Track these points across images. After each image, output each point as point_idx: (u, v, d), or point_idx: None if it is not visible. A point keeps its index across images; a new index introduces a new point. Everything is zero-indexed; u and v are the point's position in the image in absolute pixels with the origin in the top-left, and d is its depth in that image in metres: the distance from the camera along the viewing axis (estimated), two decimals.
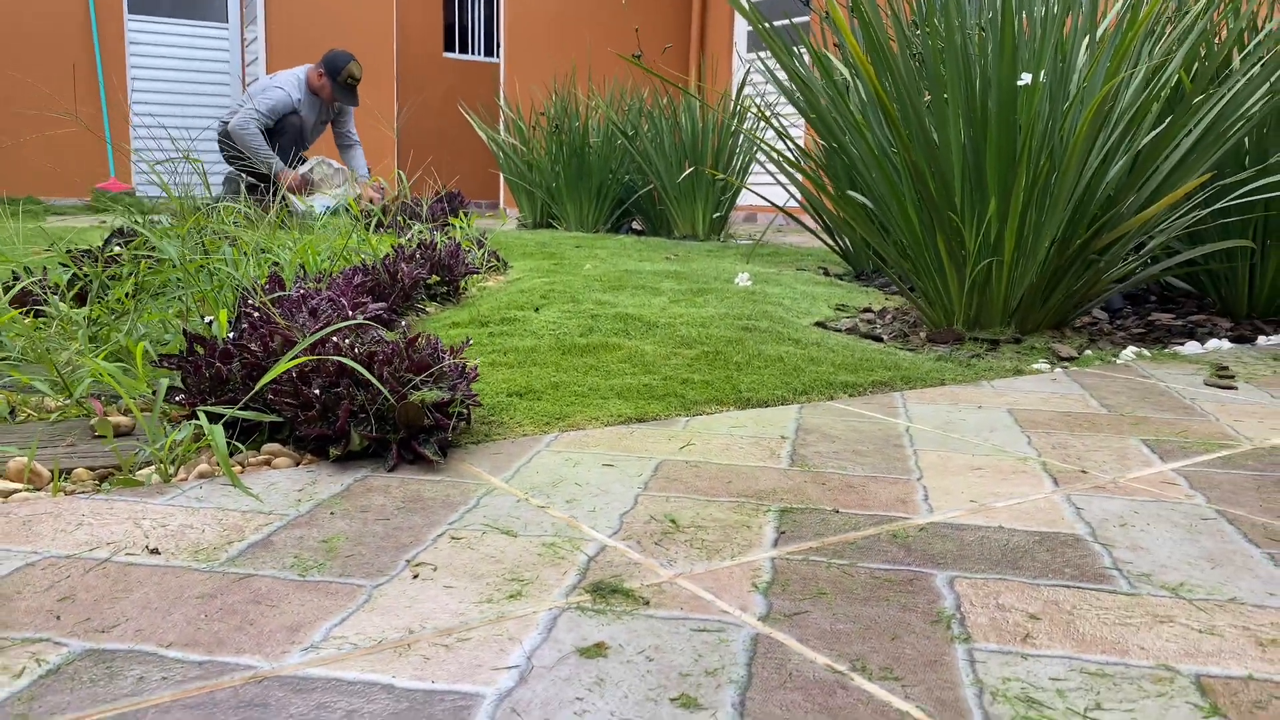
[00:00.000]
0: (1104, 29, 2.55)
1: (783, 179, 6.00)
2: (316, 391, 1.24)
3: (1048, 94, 2.25)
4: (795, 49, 3.00)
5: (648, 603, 0.87)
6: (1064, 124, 2.24)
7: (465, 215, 5.78)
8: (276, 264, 2.29)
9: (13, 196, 7.13)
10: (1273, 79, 2.23)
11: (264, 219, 3.23)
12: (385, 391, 1.17)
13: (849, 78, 2.93)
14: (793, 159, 2.75)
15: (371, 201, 6.19)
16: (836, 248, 4.01)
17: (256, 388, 1.23)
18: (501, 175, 7.34)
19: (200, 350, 1.38)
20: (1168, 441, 1.50)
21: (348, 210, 5.44)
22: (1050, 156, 2.20)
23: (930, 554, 1.01)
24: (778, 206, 3.22)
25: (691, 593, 0.89)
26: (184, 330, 1.38)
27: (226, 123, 5.91)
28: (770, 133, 6.63)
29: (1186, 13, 2.65)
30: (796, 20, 8.53)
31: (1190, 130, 2.33)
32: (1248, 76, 2.22)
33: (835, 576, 0.94)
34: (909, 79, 2.19)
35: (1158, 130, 2.33)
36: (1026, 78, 2.21)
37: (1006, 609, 0.89)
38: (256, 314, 1.51)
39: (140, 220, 2.44)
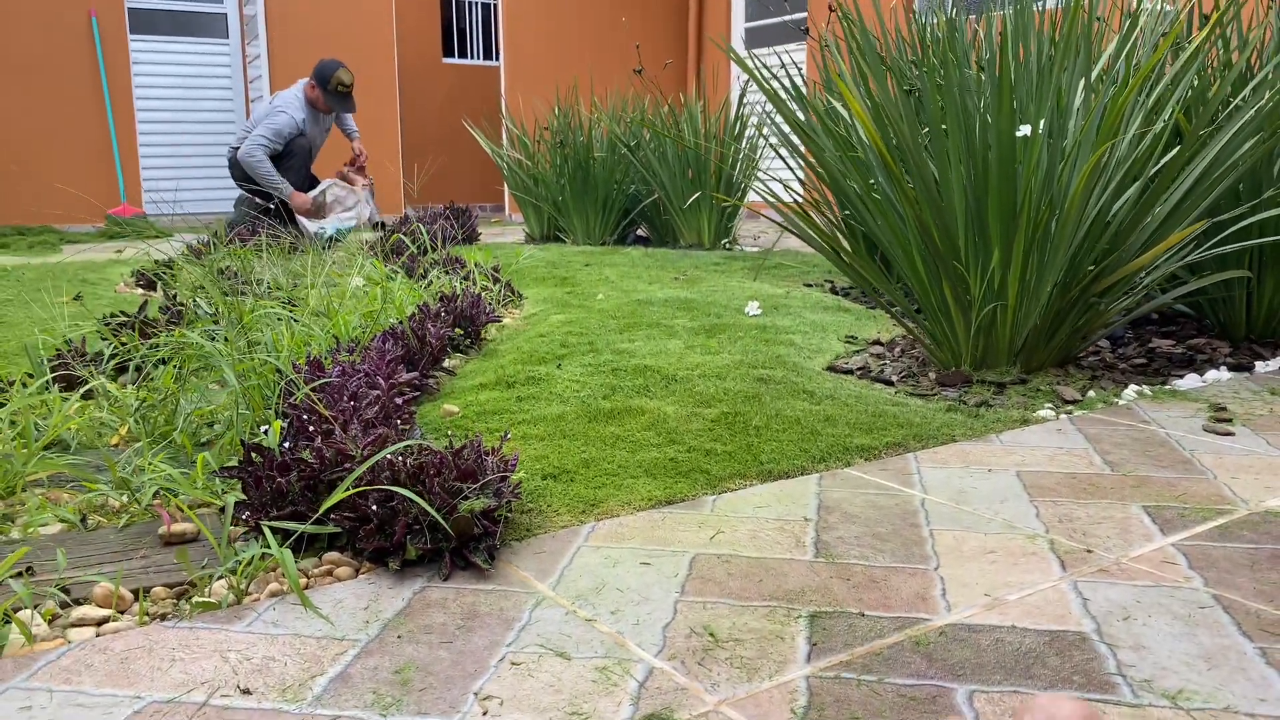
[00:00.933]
0: (1099, 69, 2.62)
1: (785, 199, 6.06)
2: (374, 507, 1.33)
3: (1046, 140, 2.32)
4: (792, 79, 3.07)
5: None
6: (1063, 172, 2.32)
7: (477, 239, 5.86)
8: (306, 325, 2.38)
9: (28, 226, 7.22)
10: (1263, 129, 2.31)
11: (282, 254, 3.32)
12: (436, 515, 1.27)
13: (848, 118, 3.00)
14: (796, 207, 2.83)
15: (359, 164, 6.28)
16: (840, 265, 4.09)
17: (320, 512, 1.32)
18: (506, 186, 7.44)
19: (257, 459, 1.48)
20: (1167, 508, 1.59)
21: (363, 230, 5.52)
22: (1050, 204, 2.28)
23: (950, 664, 1.10)
24: (784, 226, 3.30)
25: None
26: (242, 441, 1.47)
27: (236, 149, 5.99)
28: (769, 144, 6.69)
29: (1181, 48, 2.72)
30: (795, 17, 8.56)
31: (1189, 170, 2.40)
32: (1240, 124, 2.30)
33: (865, 697, 1.03)
34: (911, 136, 2.27)
35: (1159, 166, 2.41)
36: (1025, 129, 2.29)
37: None
38: (306, 414, 1.61)
39: (179, 298, 2.52)
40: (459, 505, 1.35)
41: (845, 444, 1.91)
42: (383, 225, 5.86)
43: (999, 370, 2.45)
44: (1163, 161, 2.39)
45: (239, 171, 6.04)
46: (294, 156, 6.00)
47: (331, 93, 6.02)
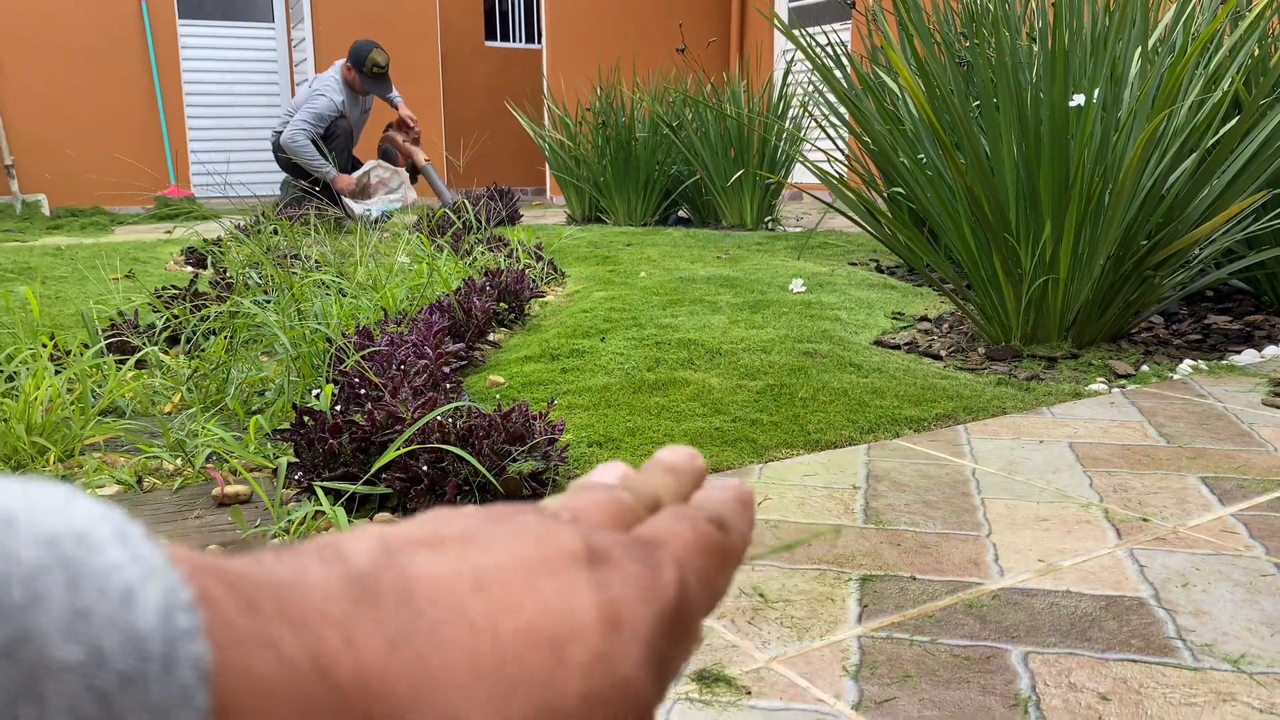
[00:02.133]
0: (1155, 37, 2.57)
1: (831, 171, 6.00)
2: (425, 468, 1.34)
3: (1100, 111, 2.28)
4: (839, 55, 3.04)
5: (749, 692, 0.96)
6: (1117, 143, 2.27)
7: (519, 219, 5.88)
8: (354, 301, 2.41)
9: (81, 207, 7.35)
10: None
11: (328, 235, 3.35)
12: (488, 475, 1.27)
13: (897, 90, 2.97)
14: (837, 178, 2.80)
15: (410, 127, 6.23)
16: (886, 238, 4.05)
17: (371, 471, 1.33)
18: (548, 167, 7.44)
19: (309, 422, 1.49)
20: (1226, 479, 1.56)
21: (408, 212, 5.55)
22: (1104, 175, 2.23)
23: (1004, 626, 1.09)
24: (829, 204, 3.28)
25: (788, 680, 0.98)
26: (294, 405, 1.49)
27: (280, 133, 6.04)
28: (814, 119, 6.63)
29: (1241, 16, 2.66)
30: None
31: (1249, 141, 2.35)
32: None
33: (918, 656, 1.02)
34: (962, 108, 2.23)
35: (1218, 136, 2.36)
36: (1079, 99, 2.25)
37: (1079, 689, 0.97)
38: (357, 379, 1.62)
39: (229, 269, 2.55)
40: (508, 467, 1.36)
41: (893, 415, 1.89)
42: (455, 207, 5.85)
43: (1050, 345, 2.42)
44: (1221, 132, 2.33)
45: (283, 156, 6.09)
46: (336, 139, 6.03)
47: (367, 74, 6.01)
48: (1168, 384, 2.16)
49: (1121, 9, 2.30)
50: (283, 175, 6.39)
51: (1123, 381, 2.18)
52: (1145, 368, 2.28)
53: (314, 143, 5.89)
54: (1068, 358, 2.35)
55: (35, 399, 1.67)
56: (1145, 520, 1.40)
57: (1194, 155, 2.33)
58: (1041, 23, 2.61)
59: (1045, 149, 2.24)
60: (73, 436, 1.69)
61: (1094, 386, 2.12)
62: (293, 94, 8.67)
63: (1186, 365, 2.28)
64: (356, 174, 6.01)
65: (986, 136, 2.38)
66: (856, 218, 2.75)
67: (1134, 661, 1.01)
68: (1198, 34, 2.48)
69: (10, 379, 1.97)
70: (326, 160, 5.92)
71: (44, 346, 2.05)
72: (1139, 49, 2.45)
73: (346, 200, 5.91)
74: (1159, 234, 2.34)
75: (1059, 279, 2.34)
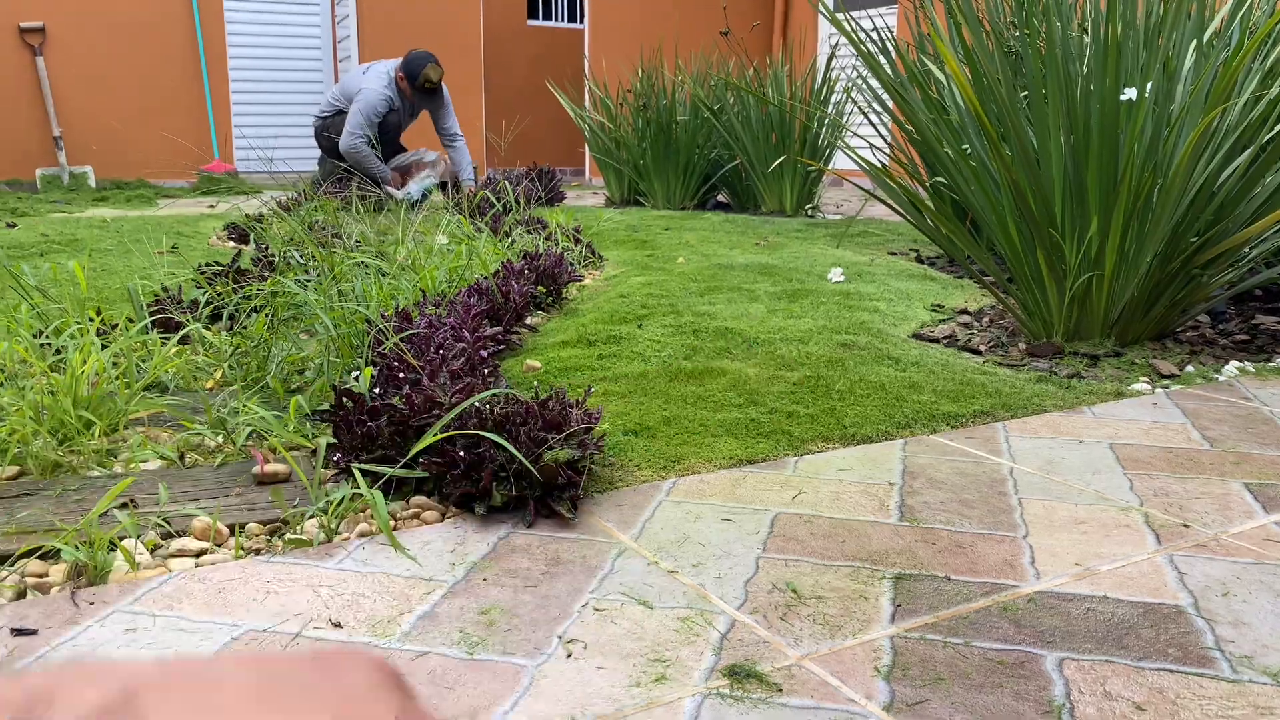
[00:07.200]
0: (1211, 31, 2.51)
1: (872, 161, 5.93)
2: (462, 453, 1.35)
3: (1152, 105, 2.23)
4: (882, 41, 3.00)
5: (780, 689, 0.96)
6: (1168, 138, 2.23)
7: (562, 200, 5.87)
8: (394, 282, 2.42)
9: (126, 180, 7.45)
10: None
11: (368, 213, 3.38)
12: (525, 461, 1.28)
13: (943, 79, 2.93)
14: (879, 167, 2.77)
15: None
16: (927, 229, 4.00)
17: (409, 455, 1.35)
18: (587, 148, 7.43)
19: (348, 404, 1.51)
20: (1271, 486, 1.53)
21: (445, 191, 5.57)
22: (1154, 172, 2.19)
23: (1039, 631, 1.08)
24: (870, 193, 3.25)
25: (819, 678, 0.98)
26: (333, 386, 1.50)
27: (323, 118, 6.00)
28: (858, 106, 6.55)
29: None
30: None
31: None
32: None
33: (951, 658, 1.02)
34: (1009, 100, 2.20)
35: (1273, 134, 2.31)
36: (1131, 93, 2.21)
37: (1114, 698, 0.96)
38: (395, 362, 1.63)
39: (269, 248, 2.57)
40: (544, 454, 1.36)
41: (931, 411, 1.88)
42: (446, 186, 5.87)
43: (1092, 342, 2.38)
44: (1276, 129, 2.28)
45: (326, 137, 6.05)
46: (388, 132, 5.94)
47: (418, 88, 5.89)
48: (1213, 386, 2.12)
49: (1177, 1, 2.25)
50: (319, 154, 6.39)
51: (1166, 382, 2.14)
52: (1190, 368, 2.24)
53: (370, 143, 5.81)
54: (1110, 356, 2.31)
55: (82, 373, 1.70)
56: (1186, 526, 1.38)
57: (1247, 152, 2.28)
58: (1094, 13, 2.57)
59: (1094, 143, 2.20)
60: (117, 411, 1.72)
61: (1137, 386, 2.09)
62: (335, 70, 8.71)
63: (1233, 367, 2.24)
64: (400, 159, 6.00)
65: (1034, 128, 2.35)
66: (898, 207, 2.72)
67: (1171, 671, 1.00)
68: (1255, 29, 2.42)
69: (58, 352, 2.01)
70: (382, 162, 5.87)
71: (90, 320, 2.08)
72: (1194, 42, 2.39)
73: (390, 189, 5.90)
74: (1208, 232, 2.29)
75: (1104, 275, 2.30)
